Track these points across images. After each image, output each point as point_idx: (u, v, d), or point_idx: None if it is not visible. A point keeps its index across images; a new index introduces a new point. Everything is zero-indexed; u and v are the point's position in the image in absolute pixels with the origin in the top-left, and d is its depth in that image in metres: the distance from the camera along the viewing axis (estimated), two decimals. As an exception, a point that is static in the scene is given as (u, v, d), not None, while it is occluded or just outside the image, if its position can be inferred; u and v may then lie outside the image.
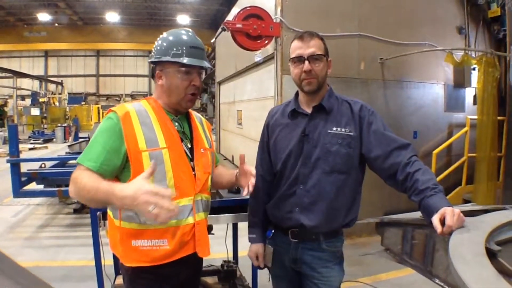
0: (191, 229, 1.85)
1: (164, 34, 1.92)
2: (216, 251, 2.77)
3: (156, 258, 1.78)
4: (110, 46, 34.28)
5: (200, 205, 1.90)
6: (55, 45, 32.30)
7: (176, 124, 1.91)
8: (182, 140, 1.88)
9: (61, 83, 30.22)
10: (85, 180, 1.60)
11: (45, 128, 24.62)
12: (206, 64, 1.89)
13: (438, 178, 6.00)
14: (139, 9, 29.25)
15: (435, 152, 5.98)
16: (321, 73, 1.99)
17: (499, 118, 5.96)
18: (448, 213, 1.49)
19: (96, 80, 36.63)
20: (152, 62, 1.91)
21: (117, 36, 33.43)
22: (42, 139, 20.51)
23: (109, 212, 1.88)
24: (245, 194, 1.90)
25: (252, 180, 1.86)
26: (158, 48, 1.88)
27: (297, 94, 2.15)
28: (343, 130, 1.97)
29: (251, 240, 2.22)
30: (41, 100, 27.48)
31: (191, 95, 1.87)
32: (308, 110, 2.05)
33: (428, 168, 1.82)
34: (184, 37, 1.88)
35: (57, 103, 29.29)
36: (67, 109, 28.24)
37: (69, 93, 31.38)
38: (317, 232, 2.00)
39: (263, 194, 2.16)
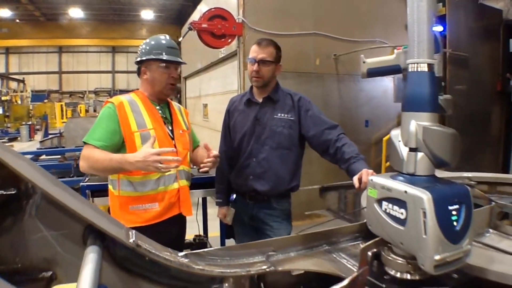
0: (177, 193, 2.34)
1: (147, 40, 2.42)
2: (189, 233, 3.24)
3: (149, 218, 2.25)
4: (73, 42, 33.48)
5: (182, 174, 2.39)
6: (17, 42, 31.35)
7: (160, 111, 2.39)
8: (165, 123, 2.37)
9: (23, 81, 29.51)
10: (97, 155, 2.07)
11: (9, 127, 24.07)
12: (180, 60, 2.41)
13: (388, 163, 6.62)
14: (102, 4, 28.78)
15: (385, 139, 6.55)
16: (266, 74, 2.50)
17: (440, 107, 6.61)
18: (364, 173, 2.01)
19: (59, 77, 35.70)
20: (138, 62, 2.38)
21: (80, 32, 32.74)
22: (6, 138, 20.11)
23: (109, 187, 2.33)
24: (201, 170, 2.39)
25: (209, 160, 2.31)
26: (143, 50, 2.37)
27: (252, 87, 2.67)
28: (286, 115, 2.51)
29: (218, 204, 2.76)
30: (3, 98, 26.78)
31: (170, 84, 2.36)
32: (260, 100, 2.58)
33: (352, 142, 2.35)
34: (163, 41, 2.40)
35: (19, 101, 28.59)
36: (31, 107, 27.62)
37: (31, 91, 30.64)
38: (268, 195, 2.53)
39: (226, 165, 2.69)
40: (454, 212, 1.05)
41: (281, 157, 2.51)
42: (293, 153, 2.56)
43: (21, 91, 29.48)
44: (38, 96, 31.57)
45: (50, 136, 10.89)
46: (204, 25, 5.47)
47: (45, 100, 31.21)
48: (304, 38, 6.11)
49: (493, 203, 2.12)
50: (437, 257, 1.01)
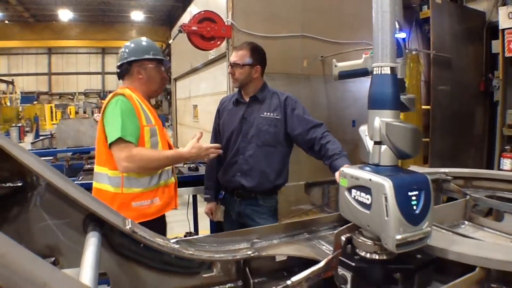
0: (174, 186, 2.47)
1: (136, 41, 2.48)
2: (180, 231, 3.34)
3: (151, 213, 2.30)
4: (63, 44, 33.39)
5: (173, 169, 2.52)
6: (6, 43, 31.08)
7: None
8: None
9: (12, 82, 29.32)
10: (149, 154, 2.18)
11: (-3, 129, 23.87)
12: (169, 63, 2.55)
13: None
14: (92, 6, 28.74)
15: (371, 138, 6.69)
16: (240, 76, 2.64)
17: (424, 107, 6.80)
18: None
19: (49, 79, 35.62)
20: (131, 61, 2.38)
21: (70, 33, 32.68)
22: (-5, 139, 19.86)
23: (106, 186, 2.26)
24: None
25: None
26: (137, 49, 2.39)
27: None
28: (272, 114, 2.63)
29: (206, 199, 2.88)
30: (-8, 100, 26.61)
31: (163, 84, 2.48)
32: (247, 99, 2.71)
33: (336, 139, 2.47)
34: (155, 44, 2.49)
35: (8, 103, 28.38)
36: (20, 109, 27.45)
37: (21, 92, 30.44)
38: (255, 191, 2.66)
39: (216, 162, 2.81)
40: (413, 198, 1.20)
41: (267, 155, 2.63)
42: (279, 150, 2.68)
43: (10, 93, 29.24)
44: (28, 97, 31.43)
45: (41, 137, 10.90)
46: (194, 28, 5.57)
47: (35, 102, 31.03)
48: (292, 40, 6.22)
49: (468, 196, 2.28)
50: (398, 237, 1.15)
